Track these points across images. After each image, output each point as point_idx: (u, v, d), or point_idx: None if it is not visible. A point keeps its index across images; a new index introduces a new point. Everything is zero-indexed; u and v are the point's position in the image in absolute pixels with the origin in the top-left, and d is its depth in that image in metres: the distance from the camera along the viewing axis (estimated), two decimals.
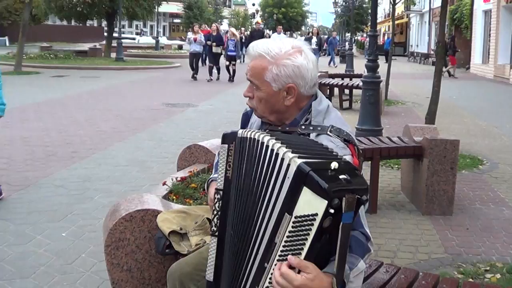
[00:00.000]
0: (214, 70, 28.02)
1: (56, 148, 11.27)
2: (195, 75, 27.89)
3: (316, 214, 2.34)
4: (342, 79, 21.55)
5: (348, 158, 2.73)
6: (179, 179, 5.89)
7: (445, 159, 7.49)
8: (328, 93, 19.36)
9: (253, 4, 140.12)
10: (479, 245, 6.59)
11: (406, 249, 6.45)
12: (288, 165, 2.44)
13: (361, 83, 13.24)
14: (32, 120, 14.58)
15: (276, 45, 2.97)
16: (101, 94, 20.58)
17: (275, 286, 2.43)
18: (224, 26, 61.95)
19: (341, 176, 2.40)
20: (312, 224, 2.36)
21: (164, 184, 5.82)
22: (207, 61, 31.86)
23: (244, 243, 2.64)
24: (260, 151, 2.63)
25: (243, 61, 39.03)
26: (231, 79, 27.36)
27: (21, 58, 29.53)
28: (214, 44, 27.56)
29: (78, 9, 43.08)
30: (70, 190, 8.41)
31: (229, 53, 27.95)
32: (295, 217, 2.39)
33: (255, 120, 3.27)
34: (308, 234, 2.38)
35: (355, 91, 18.87)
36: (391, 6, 23.63)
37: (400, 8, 62.10)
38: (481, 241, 6.70)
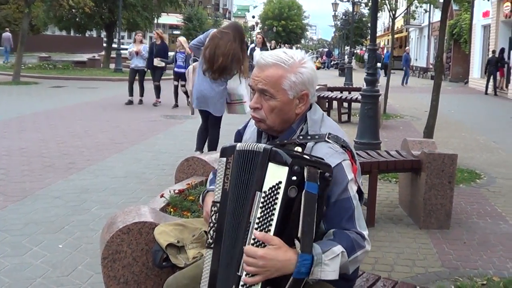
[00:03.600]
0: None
1: (54, 159, 11.27)
2: (131, 99, 21.52)
3: (280, 182, 2.59)
4: (341, 92, 21.55)
5: (346, 163, 2.92)
6: (177, 191, 5.88)
7: (443, 173, 7.49)
8: (326, 106, 19.38)
9: (253, 17, 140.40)
10: (476, 259, 6.59)
11: (403, 262, 6.44)
12: (259, 152, 2.76)
13: (360, 97, 13.26)
14: (30, 131, 14.56)
15: (287, 54, 3.05)
16: (99, 105, 20.53)
17: (245, 268, 2.62)
18: None
19: (305, 156, 2.72)
20: (278, 193, 2.58)
21: (161, 196, 5.81)
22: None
23: (236, 248, 2.75)
24: (254, 157, 2.81)
25: None
26: (177, 104, 21.09)
27: (19, 68, 29.50)
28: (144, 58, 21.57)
29: (77, 19, 43.21)
30: (67, 202, 8.40)
31: (176, 69, 20.53)
32: (263, 192, 2.61)
33: (249, 137, 3.36)
34: (276, 204, 2.59)
35: (353, 105, 18.89)
36: (390, 20, 23.64)
37: (399, 22, 62.25)
38: (478, 255, 6.70)
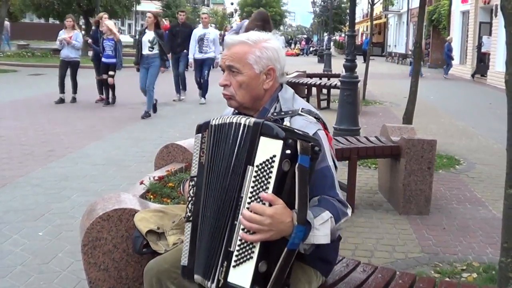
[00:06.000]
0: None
1: (33, 147, 11.22)
2: (62, 96, 18.34)
3: (275, 156, 2.57)
4: (320, 78, 21.53)
5: (321, 132, 3.03)
6: (156, 178, 5.87)
7: (422, 159, 7.52)
8: (306, 92, 19.36)
9: (232, 3, 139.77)
10: (456, 244, 6.63)
11: (383, 248, 6.48)
12: (249, 126, 2.72)
13: (339, 83, 13.27)
14: (9, 119, 14.48)
15: (254, 34, 3.21)
16: (78, 92, 20.39)
17: (246, 225, 2.55)
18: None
19: (295, 130, 2.70)
20: (272, 166, 2.55)
21: (141, 183, 5.79)
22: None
23: (221, 220, 2.73)
24: (231, 129, 2.81)
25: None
26: (104, 99, 18.70)
27: None
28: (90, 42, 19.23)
29: (55, 6, 42.91)
30: (47, 189, 8.37)
31: (104, 59, 17.71)
32: (256, 166, 2.58)
33: (225, 114, 3.35)
34: (270, 177, 2.54)
35: (333, 91, 18.89)
36: (369, 6, 23.64)
37: (378, 9, 62.37)
38: (457, 241, 6.74)
